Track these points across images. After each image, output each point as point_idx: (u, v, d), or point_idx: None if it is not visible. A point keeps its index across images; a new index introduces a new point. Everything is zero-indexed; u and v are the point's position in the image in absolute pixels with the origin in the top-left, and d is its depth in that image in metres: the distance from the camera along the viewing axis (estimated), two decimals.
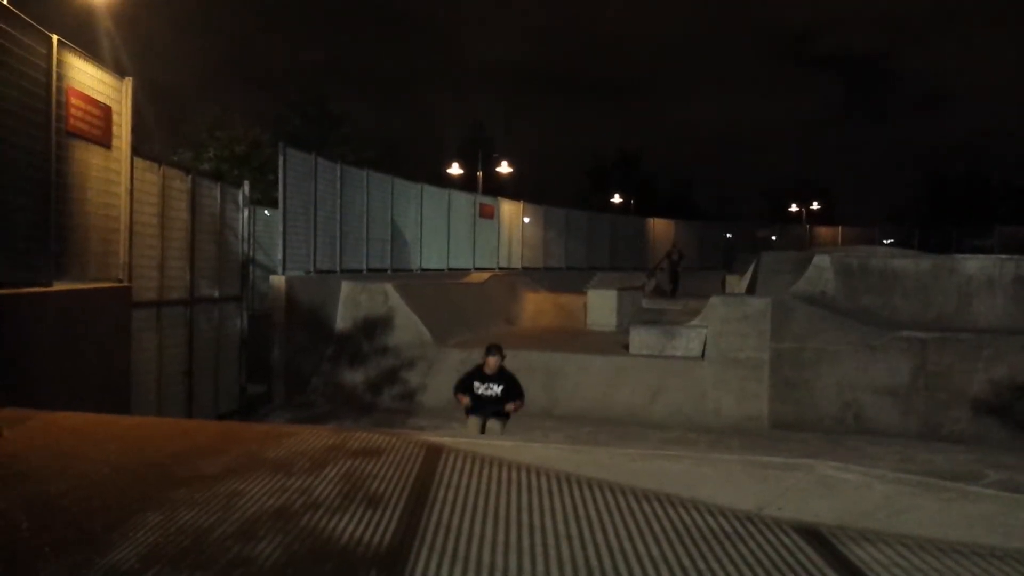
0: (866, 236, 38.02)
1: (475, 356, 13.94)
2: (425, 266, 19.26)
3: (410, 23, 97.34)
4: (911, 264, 15.03)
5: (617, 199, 54.30)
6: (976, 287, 14.30)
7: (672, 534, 4.15)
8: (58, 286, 7.70)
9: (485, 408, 8.36)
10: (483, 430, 8.30)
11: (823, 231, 43.29)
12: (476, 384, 8.40)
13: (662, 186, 65.07)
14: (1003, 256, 15.44)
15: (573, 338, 16.03)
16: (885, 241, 35.76)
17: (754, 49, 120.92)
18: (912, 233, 38.49)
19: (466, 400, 8.40)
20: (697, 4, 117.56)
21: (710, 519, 4.38)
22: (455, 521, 4.22)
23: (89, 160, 8.36)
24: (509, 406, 8.33)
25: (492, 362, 8.38)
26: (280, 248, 13.51)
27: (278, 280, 13.21)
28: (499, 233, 23.56)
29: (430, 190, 19.93)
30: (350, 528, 4.06)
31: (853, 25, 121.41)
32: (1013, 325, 13.40)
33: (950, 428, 11.33)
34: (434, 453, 5.60)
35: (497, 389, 8.31)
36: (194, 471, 5.03)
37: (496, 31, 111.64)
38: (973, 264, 14.63)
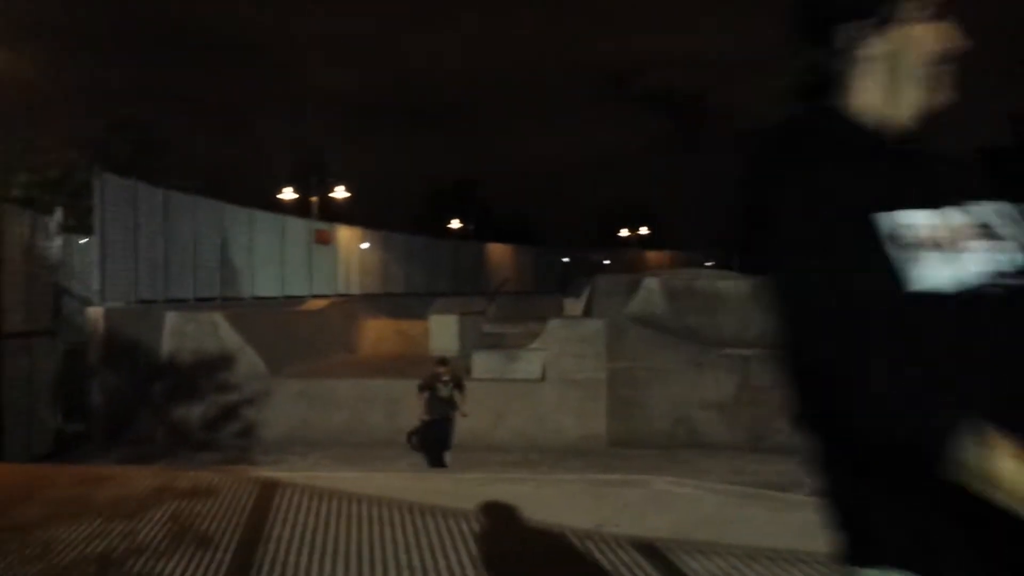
0: (691, 259, 40.05)
1: (314, 387, 13.60)
2: (258, 294, 18.59)
3: (243, 50, 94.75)
4: (732, 285, 15.88)
5: (456, 224, 54.70)
6: None
7: (512, 558, 4.17)
8: None
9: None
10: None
11: (651, 255, 45.32)
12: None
13: (500, 213, 66.08)
14: None
15: (416, 365, 15.87)
16: (707, 263, 37.76)
17: (578, 86, 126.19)
18: (733, 255, 40.88)
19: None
20: (523, 45, 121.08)
21: (551, 540, 4.43)
22: (291, 558, 4.06)
23: None
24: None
25: (443, 371, 10.38)
26: (97, 278, 12.68)
27: (95, 312, 12.37)
28: (337, 259, 23.12)
29: (263, 216, 19.33)
30: (178, 571, 3.85)
31: (667, 66, 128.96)
32: None
33: (773, 439, 12.00)
34: (269, 489, 5.40)
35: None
36: (5, 519, 4.65)
37: (329, 60, 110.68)
38: None
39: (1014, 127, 38.62)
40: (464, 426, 12.19)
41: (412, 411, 12.60)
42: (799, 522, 4.95)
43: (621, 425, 12.62)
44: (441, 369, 10.54)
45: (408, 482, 5.79)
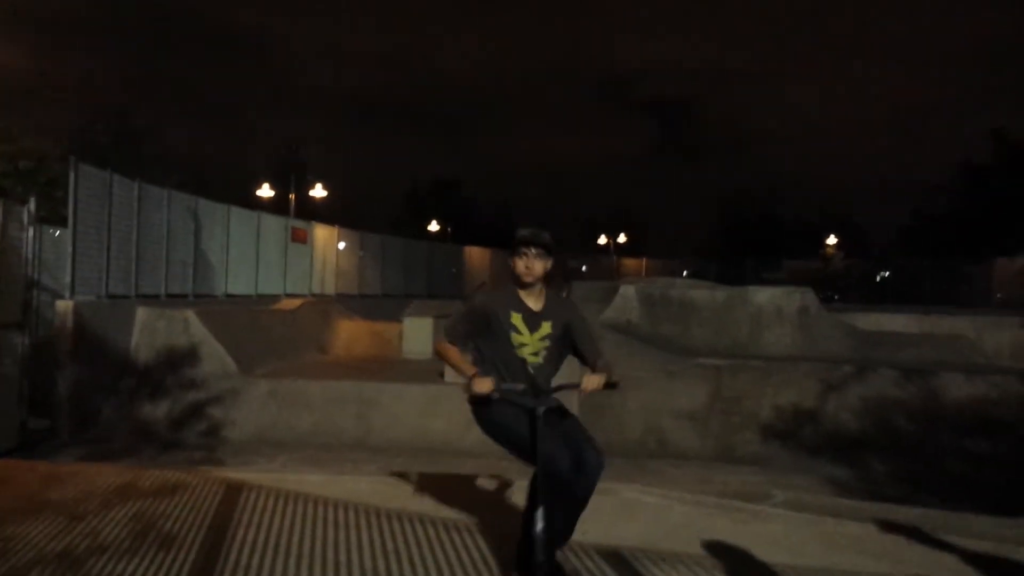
0: (668, 268, 40.25)
1: (284, 387, 13.48)
2: (231, 291, 18.43)
3: (232, 44, 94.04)
4: (707, 294, 15.98)
5: (435, 226, 54.49)
6: (766, 317, 15.38)
7: (480, 563, 4.15)
8: None
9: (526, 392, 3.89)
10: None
11: (629, 262, 45.44)
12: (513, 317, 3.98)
13: (483, 214, 65.72)
14: (790, 288, 16.71)
15: (389, 367, 15.85)
16: (684, 273, 37.94)
17: (574, 90, 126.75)
18: (710, 265, 41.11)
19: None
20: (519, 49, 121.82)
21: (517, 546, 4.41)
22: (255, 561, 4.02)
23: None
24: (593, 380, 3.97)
25: (536, 266, 4.07)
26: (68, 270, 12.52)
27: (65, 305, 12.20)
28: (312, 258, 22.99)
29: (238, 212, 19.15)
30: (139, 572, 3.80)
31: (665, 74, 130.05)
32: (798, 352, 14.52)
33: (743, 450, 12.06)
34: (234, 490, 5.34)
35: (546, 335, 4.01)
36: None
37: (320, 58, 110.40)
38: (763, 295, 15.73)
39: (995, 144, 39.47)
40: (436, 430, 12.17)
41: (382, 414, 12.58)
42: (765, 533, 4.97)
43: (593, 432, 12.61)
44: None
45: (376, 486, 5.76)
